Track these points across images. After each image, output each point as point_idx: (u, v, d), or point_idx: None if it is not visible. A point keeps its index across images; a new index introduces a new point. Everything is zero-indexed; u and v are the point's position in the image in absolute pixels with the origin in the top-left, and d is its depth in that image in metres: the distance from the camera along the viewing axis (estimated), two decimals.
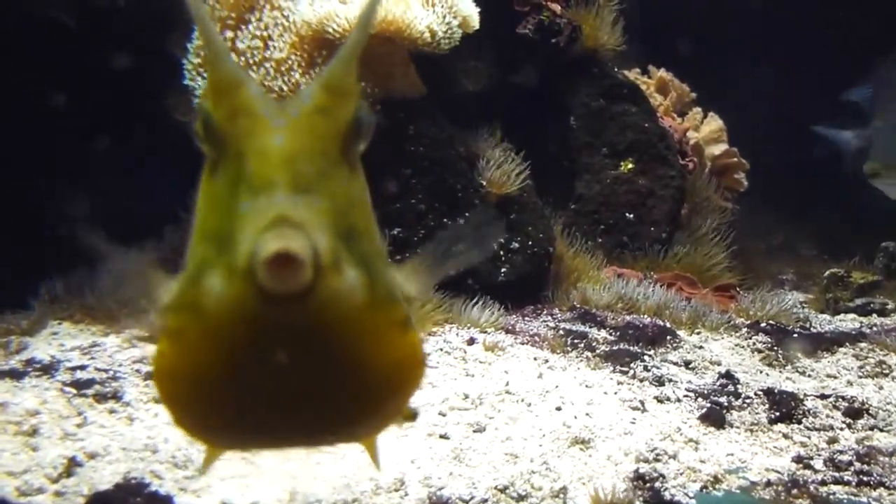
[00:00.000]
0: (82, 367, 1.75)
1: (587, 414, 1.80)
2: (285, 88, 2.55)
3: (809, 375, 2.33)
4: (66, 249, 2.98)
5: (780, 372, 2.37)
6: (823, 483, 1.53)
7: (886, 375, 2.29)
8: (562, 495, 1.44)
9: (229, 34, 2.69)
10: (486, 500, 1.40)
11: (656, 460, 1.60)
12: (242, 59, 2.67)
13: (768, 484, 1.53)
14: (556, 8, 3.27)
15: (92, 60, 3.16)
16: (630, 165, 3.25)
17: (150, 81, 3.22)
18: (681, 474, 1.54)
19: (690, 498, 1.45)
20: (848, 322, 3.13)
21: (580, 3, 3.33)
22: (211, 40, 0.64)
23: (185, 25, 3.18)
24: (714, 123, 3.88)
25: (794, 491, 1.48)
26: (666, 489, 1.47)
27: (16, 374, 1.68)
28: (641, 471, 1.52)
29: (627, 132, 3.29)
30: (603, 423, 1.76)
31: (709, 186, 3.57)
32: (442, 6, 2.67)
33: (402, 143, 2.79)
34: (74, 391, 1.62)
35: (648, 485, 1.49)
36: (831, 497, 1.47)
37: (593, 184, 3.26)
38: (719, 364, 2.36)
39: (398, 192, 2.73)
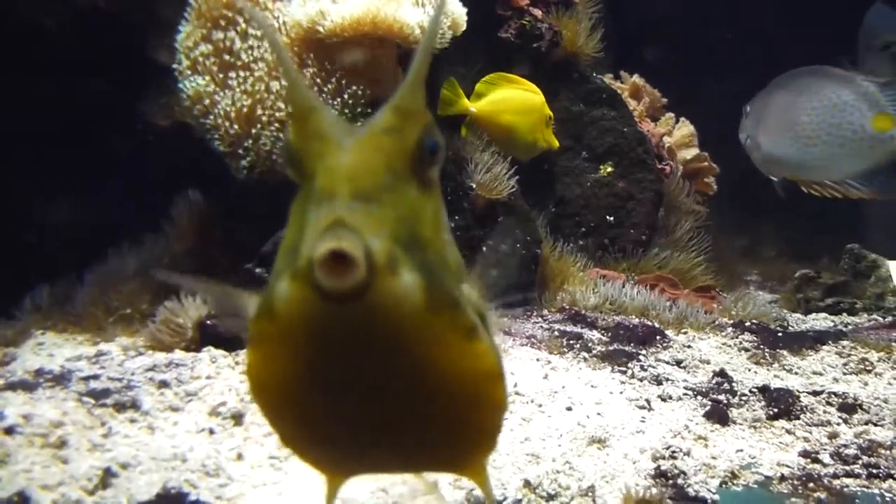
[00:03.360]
0: (95, 377, 1.73)
1: (598, 413, 1.84)
2: (284, 92, 2.54)
3: (796, 373, 2.40)
4: (49, 258, 2.94)
5: (768, 370, 2.43)
6: (836, 476, 1.58)
7: (870, 372, 2.37)
8: (590, 493, 1.46)
9: (219, 34, 2.66)
10: (519, 501, 1.42)
11: (672, 457, 1.64)
12: (232, 58, 2.66)
13: (783, 478, 1.58)
14: (538, 13, 3.32)
15: (70, 63, 3.12)
16: (610, 169, 3.31)
17: (129, 86, 3.19)
18: (699, 471, 1.58)
19: (713, 494, 1.49)
20: (820, 321, 3.23)
21: (560, 8, 3.38)
22: (289, 71, 0.68)
23: (165, 29, 3.16)
24: (685, 128, 3.96)
25: (811, 485, 1.53)
26: (689, 485, 1.51)
27: (28, 386, 1.65)
28: (663, 468, 1.56)
29: (607, 136, 3.35)
30: (615, 422, 1.80)
31: (683, 190, 3.65)
32: (433, 5, 2.68)
33: None
34: (93, 401, 1.60)
35: (671, 481, 1.53)
36: (845, 490, 1.52)
37: (574, 187, 3.31)
38: (709, 363, 2.42)
39: None
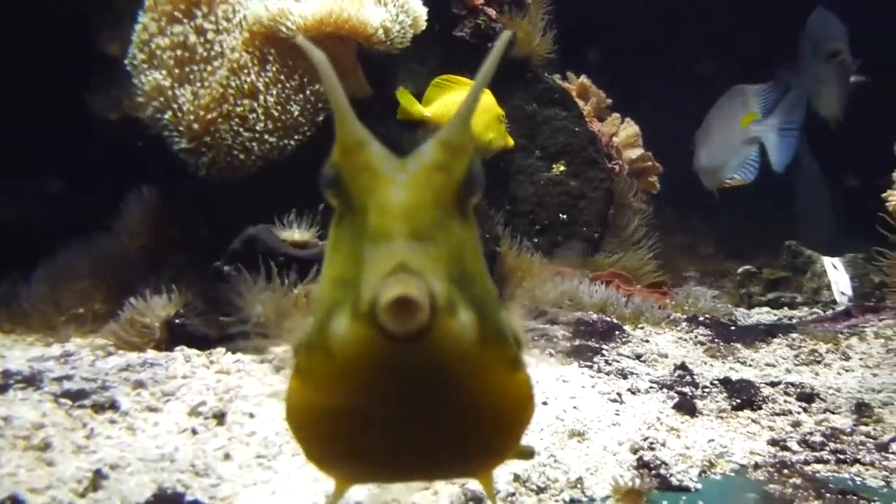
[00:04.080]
0: (68, 378, 1.68)
1: (574, 407, 1.88)
2: (245, 88, 2.51)
3: (750, 365, 2.49)
4: None
5: (724, 363, 2.51)
6: (806, 462, 1.65)
7: (819, 363, 2.47)
8: (579, 486, 1.49)
9: (176, 28, 2.62)
10: (512, 494, 1.44)
11: (650, 448, 1.68)
12: (190, 53, 2.61)
13: (757, 466, 1.64)
14: (492, 13, 3.35)
15: (13, 54, 3.02)
16: (562, 168, 3.37)
17: (77, 80, 3.11)
18: (678, 461, 1.63)
19: (696, 482, 1.54)
20: (764, 315, 3.35)
21: (514, 9, 3.42)
22: (338, 102, 0.69)
23: (117, 21, 3.08)
24: (630, 129, 4.05)
25: (785, 471, 1.59)
26: (672, 475, 1.55)
27: None
28: (646, 458, 1.60)
29: (559, 136, 3.40)
30: (591, 415, 1.84)
31: (630, 189, 3.73)
32: (394, 5, 2.68)
33: None
34: (70, 402, 1.55)
35: (654, 472, 1.57)
36: (817, 475, 1.59)
37: (527, 185, 3.35)
38: (667, 357, 2.49)
39: None
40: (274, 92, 2.52)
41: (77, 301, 2.65)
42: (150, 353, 1.94)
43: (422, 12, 2.79)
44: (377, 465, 0.78)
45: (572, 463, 1.59)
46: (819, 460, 1.66)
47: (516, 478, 1.50)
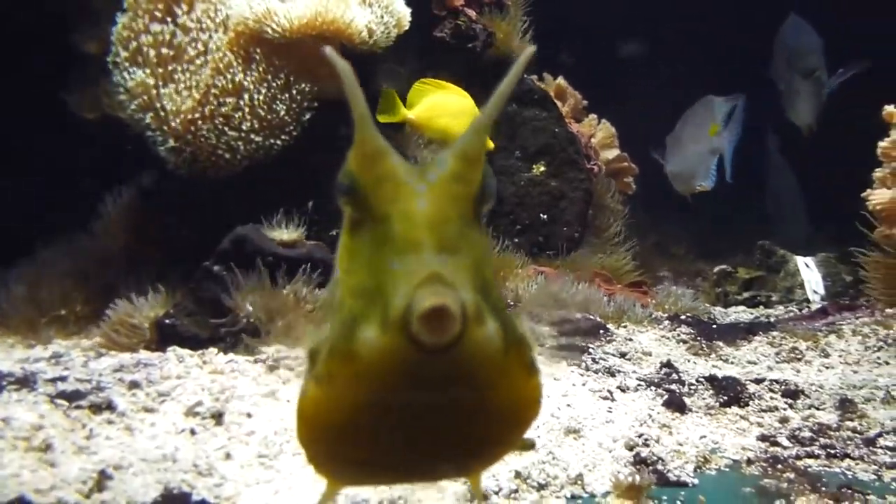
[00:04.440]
0: (62, 379, 1.66)
1: (568, 405, 1.89)
2: (230, 87, 2.49)
3: (732, 363, 2.53)
4: None
5: (706, 360, 2.55)
6: (798, 457, 1.68)
7: (800, 360, 2.52)
8: (579, 482, 1.51)
9: (158, 26, 2.59)
10: (515, 490, 1.46)
11: (645, 445, 1.70)
12: (173, 51, 2.59)
13: (749, 461, 1.67)
14: (472, 13, 3.36)
15: None
16: (542, 168, 3.39)
17: (54, 77, 3.06)
18: (673, 457, 1.65)
19: (693, 478, 1.56)
20: (740, 314, 3.40)
21: (494, 10, 3.43)
22: (360, 112, 0.69)
23: (93, 19, 3.05)
24: (607, 130, 4.09)
25: (779, 466, 1.62)
26: (669, 471, 1.57)
27: None
28: (642, 455, 1.62)
29: (539, 136, 3.42)
30: (584, 413, 1.86)
31: (609, 189, 3.76)
32: (379, 6, 2.69)
33: (335, 144, 2.79)
34: (66, 403, 1.54)
35: (651, 467, 1.59)
36: (809, 470, 1.62)
37: (508, 185, 3.37)
38: (651, 354, 2.52)
39: (332, 194, 2.73)
40: (261, 91, 2.51)
41: (58, 302, 2.61)
42: (143, 354, 1.92)
43: (405, 13, 2.79)
44: (384, 468, 0.79)
45: (571, 460, 1.60)
46: (810, 455, 1.69)
47: (517, 475, 1.51)
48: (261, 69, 2.52)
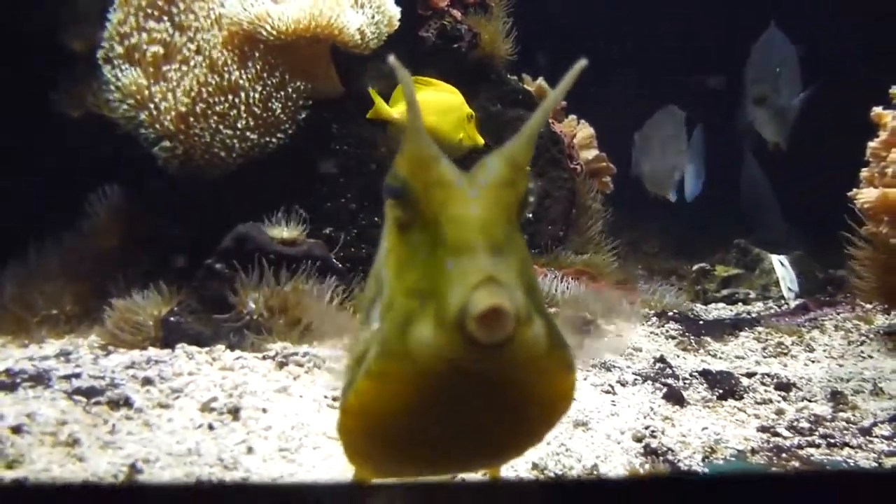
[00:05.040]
0: (76, 376, 1.66)
1: (574, 399, 1.92)
2: (225, 85, 2.49)
3: (721, 358, 2.59)
4: None
5: (695, 356, 2.60)
6: (800, 447, 1.73)
7: (786, 354, 2.58)
8: (594, 473, 1.54)
9: (152, 24, 2.58)
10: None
11: (652, 436, 1.74)
12: (167, 50, 2.58)
13: (754, 451, 1.72)
14: (457, 14, 3.38)
15: None
16: (527, 168, 3.41)
17: (40, 74, 3.03)
18: (681, 448, 1.70)
19: (703, 467, 1.61)
20: (720, 310, 3.48)
21: (479, 11, 3.46)
22: (415, 119, 0.73)
23: (80, 17, 3.02)
24: (586, 130, 4.13)
25: (784, 455, 1.68)
26: (679, 461, 1.62)
27: (6, 386, 1.57)
28: (653, 446, 1.67)
29: None
30: (590, 406, 1.90)
31: (590, 189, 3.81)
32: (370, 6, 2.70)
33: (329, 143, 2.81)
34: (85, 399, 1.53)
35: (661, 458, 1.63)
36: (812, 458, 1.67)
37: None
38: (641, 350, 2.56)
39: (327, 192, 2.74)
40: (257, 89, 2.51)
41: (49, 302, 2.59)
42: (153, 351, 1.92)
43: (395, 12, 2.82)
44: (422, 461, 0.83)
45: (583, 451, 1.64)
46: (811, 444, 1.74)
47: (534, 466, 1.54)
48: (257, 67, 2.52)
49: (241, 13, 2.51)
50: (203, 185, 2.62)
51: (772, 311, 3.27)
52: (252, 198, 2.55)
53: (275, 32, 2.49)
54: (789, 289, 3.79)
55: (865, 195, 2.08)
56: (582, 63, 0.79)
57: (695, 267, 3.88)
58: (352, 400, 0.78)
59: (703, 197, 4.30)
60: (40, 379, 1.61)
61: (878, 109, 2.10)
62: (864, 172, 2.20)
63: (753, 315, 3.18)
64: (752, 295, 3.64)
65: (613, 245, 3.66)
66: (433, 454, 0.80)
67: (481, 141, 3.10)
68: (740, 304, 3.60)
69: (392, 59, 0.76)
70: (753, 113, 3.85)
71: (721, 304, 3.58)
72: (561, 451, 1.62)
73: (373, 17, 2.70)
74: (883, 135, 2.04)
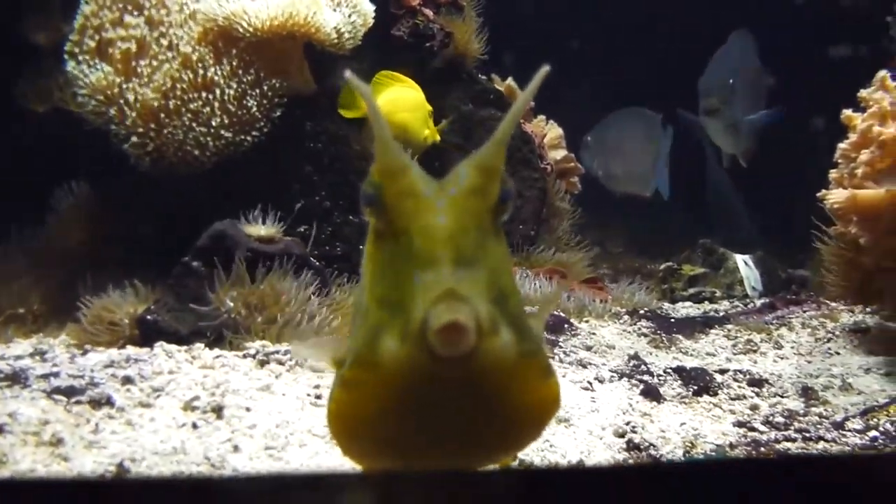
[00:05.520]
0: (54, 375, 1.62)
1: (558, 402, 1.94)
2: (199, 82, 2.46)
3: (692, 355, 2.62)
4: None
5: (667, 353, 2.64)
6: (777, 441, 1.77)
7: (755, 352, 2.63)
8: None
9: (125, 19, 2.55)
10: None
11: (633, 432, 1.77)
12: (138, 46, 2.55)
13: (732, 446, 1.75)
14: (429, 13, 3.39)
15: None
16: (502, 171, 3.43)
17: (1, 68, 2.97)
18: (662, 443, 1.72)
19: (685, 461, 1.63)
20: (688, 309, 3.52)
21: (451, 10, 3.47)
22: (381, 130, 0.73)
23: (45, 9, 2.96)
24: (555, 130, 4.16)
25: (762, 449, 1.71)
26: (662, 455, 1.64)
27: None
28: (635, 441, 1.69)
29: None
30: (570, 403, 1.91)
31: (560, 189, 3.84)
32: (347, 5, 2.70)
33: (303, 141, 2.79)
34: (65, 399, 1.51)
35: (644, 453, 1.65)
36: (790, 452, 1.71)
37: None
38: (614, 348, 2.59)
39: (301, 190, 2.73)
40: (231, 86, 2.49)
41: (15, 301, 2.54)
42: (131, 349, 1.89)
43: (370, 10, 2.82)
44: (409, 460, 0.83)
45: (567, 447, 1.65)
46: (788, 439, 1.78)
47: (520, 462, 1.55)
48: (232, 64, 2.50)
49: (217, 9, 2.49)
50: (175, 182, 2.59)
51: (738, 309, 3.33)
52: (224, 195, 2.53)
53: (251, 29, 2.47)
54: (753, 288, 3.86)
55: (835, 196, 2.12)
56: (545, 69, 0.79)
57: (662, 266, 3.93)
58: (331, 405, 0.80)
59: (670, 196, 4.34)
60: (17, 378, 1.58)
61: (848, 112, 2.15)
62: (834, 174, 2.24)
63: (721, 313, 3.23)
64: (719, 294, 3.70)
65: (583, 245, 3.69)
66: (418, 457, 0.81)
67: (438, 137, 3.11)
68: (707, 302, 3.65)
69: (349, 73, 0.76)
70: (706, 124, 3.77)
71: (688, 303, 3.63)
72: (545, 447, 1.64)
73: (349, 16, 2.69)
74: (853, 137, 2.09)
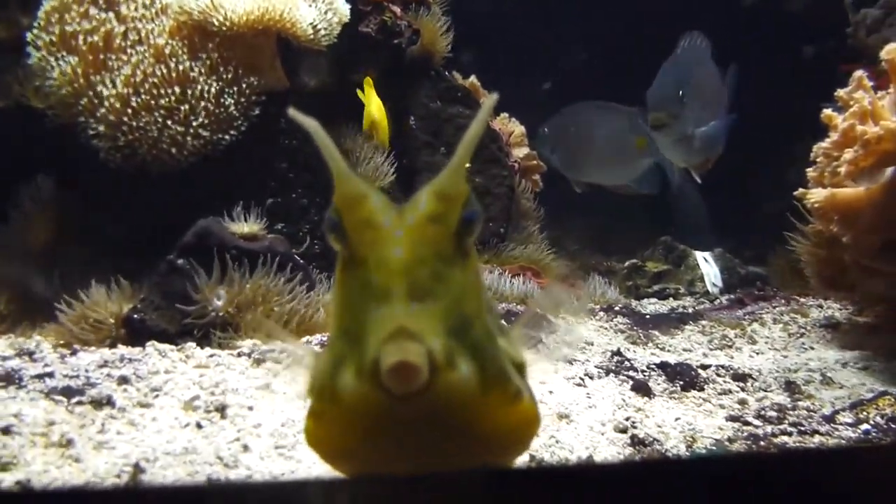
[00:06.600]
0: (49, 375, 1.56)
1: (550, 392, 1.94)
2: (172, 77, 2.40)
3: (669, 350, 2.65)
4: None
5: (645, 349, 2.66)
6: (774, 435, 1.79)
7: (731, 347, 2.67)
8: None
9: (92, 11, 2.47)
10: None
11: (633, 427, 1.78)
12: (108, 39, 2.47)
13: (730, 440, 1.77)
14: (397, 10, 3.36)
15: None
16: (467, 164, 3.43)
17: None
18: (664, 438, 1.73)
19: (689, 456, 1.64)
20: (655, 305, 3.57)
21: (419, 8, 3.45)
22: (335, 162, 0.73)
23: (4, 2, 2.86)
24: (517, 128, 4.18)
25: (761, 443, 1.73)
26: (666, 450, 1.65)
27: None
28: (640, 436, 1.69)
29: (463, 133, 3.42)
30: (567, 399, 1.91)
31: (525, 187, 3.86)
32: (322, 1, 2.66)
33: (277, 137, 2.74)
34: (66, 399, 1.45)
35: (649, 448, 1.66)
36: (788, 446, 1.73)
37: None
38: (593, 344, 2.61)
39: (278, 187, 2.68)
40: (210, 83, 2.43)
41: None
42: (124, 349, 1.83)
43: (346, 9, 2.79)
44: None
45: (573, 443, 1.65)
46: (784, 432, 1.81)
47: (531, 458, 1.54)
48: (209, 61, 2.44)
49: (191, 2, 2.43)
50: (146, 180, 2.52)
51: (704, 305, 3.38)
52: (197, 193, 2.47)
53: (227, 23, 2.42)
54: (713, 284, 3.93)
55: (815, 195, 2.16)
56: (494, 97, 0.81)
57: (626, 263, 3.97)
58: (305, 430, 0.79)
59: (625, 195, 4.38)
60: (10, 379, 1.51)
61: (828, 111, 2.20)
62: (812, 173, 2.29)
63: (688, 309, 3.28)
64: (682, 290, 3.76)
65: (549, 241, 3.71)
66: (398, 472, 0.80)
67: (387, 143, 3.13)
68: (671, 298, 3.71)
69: (292, 111, 0.75)
70: (655, 138, 3.60)
71: (654, 299, 3.68)
72: (552, 443, 1.63)
73: (325, 12, 2.66)
74: (834, 136, 2.13)
